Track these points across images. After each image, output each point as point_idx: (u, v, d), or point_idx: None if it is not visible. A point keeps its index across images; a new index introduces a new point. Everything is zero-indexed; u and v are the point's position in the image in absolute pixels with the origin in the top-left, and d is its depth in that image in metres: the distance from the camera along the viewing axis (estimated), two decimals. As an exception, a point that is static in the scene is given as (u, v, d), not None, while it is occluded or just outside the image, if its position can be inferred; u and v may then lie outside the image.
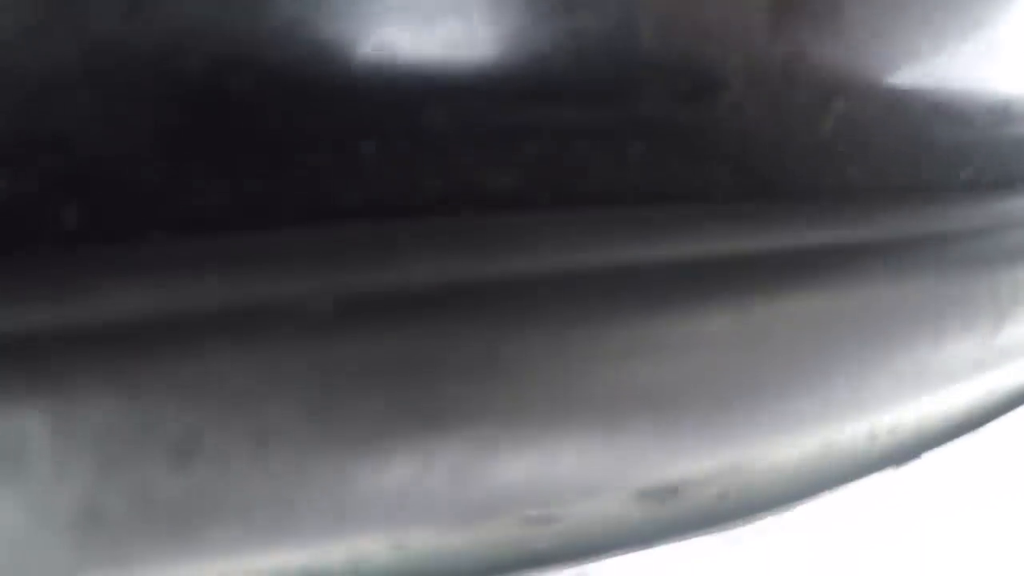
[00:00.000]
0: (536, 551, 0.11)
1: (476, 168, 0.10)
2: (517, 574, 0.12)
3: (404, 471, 0.10)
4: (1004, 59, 0.13)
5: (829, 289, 0.11)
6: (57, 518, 0.09)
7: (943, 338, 0.12)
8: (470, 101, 0.09)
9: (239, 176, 0.09)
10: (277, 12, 0.09)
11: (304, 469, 0.09)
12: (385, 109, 0.09)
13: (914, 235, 0.12)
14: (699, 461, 0.11)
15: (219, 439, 0.09)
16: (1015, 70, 0.13)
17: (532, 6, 0.09)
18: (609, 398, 0.10)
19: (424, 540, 0.11)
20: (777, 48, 0.10)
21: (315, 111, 0.09)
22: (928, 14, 0.12)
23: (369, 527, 0.10)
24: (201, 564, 0.09)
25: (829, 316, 0.11)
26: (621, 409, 0.10)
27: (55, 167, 0.09)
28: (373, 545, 0.10)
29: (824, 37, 0.11)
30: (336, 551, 0.10)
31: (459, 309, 0.09)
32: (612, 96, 0.10)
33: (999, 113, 0.13)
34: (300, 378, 0.09)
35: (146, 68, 0.09)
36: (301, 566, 0.10)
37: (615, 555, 0.12)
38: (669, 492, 0.11)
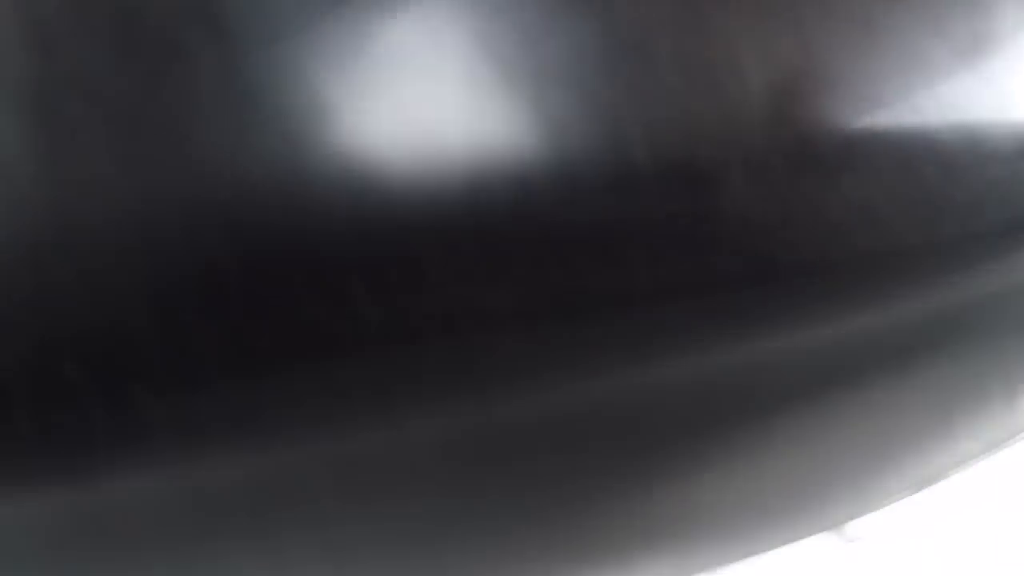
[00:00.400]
0: None
1: (468, 292, 0.09)
2: None
3: None
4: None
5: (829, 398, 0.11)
6: None
7: (952, 431, 0.12)
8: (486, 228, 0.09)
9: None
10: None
11: None
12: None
13: (926, 313, 0.11)
14: None
15: None
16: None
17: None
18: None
19: None
20: (778, 140, 0.10)
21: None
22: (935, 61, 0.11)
23: None
24: None
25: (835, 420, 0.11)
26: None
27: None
28: None
29: (830, 118, 0.10)
30: None
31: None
32: (608, 206, 0.10)
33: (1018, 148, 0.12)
34: None
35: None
36: None
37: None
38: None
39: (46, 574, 0.10)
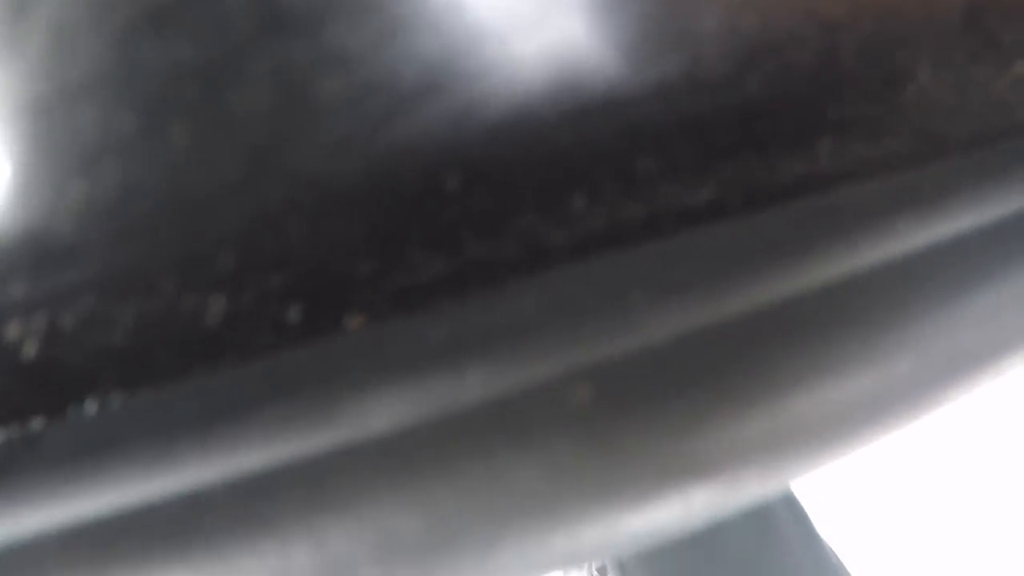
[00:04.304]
0: None
1: (675, 191, 0.10)
2: None
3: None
4: None
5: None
6: None
7: None
8: (671, 140, 0.10)
9: (456, 245, 0.09)
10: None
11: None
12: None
13: None
14: None
15: None
16: None
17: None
18: None
19: None
20: (967, 38, 0.10)
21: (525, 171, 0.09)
22: None
23: None
24: None
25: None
26: None
27: (274, 281, 0.09)
28: None
29: (1017, 17, 0.11)
30: None
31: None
32: (809, 99, 0.10)
33: None
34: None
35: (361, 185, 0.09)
36: None
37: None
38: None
39: None
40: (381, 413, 0.09)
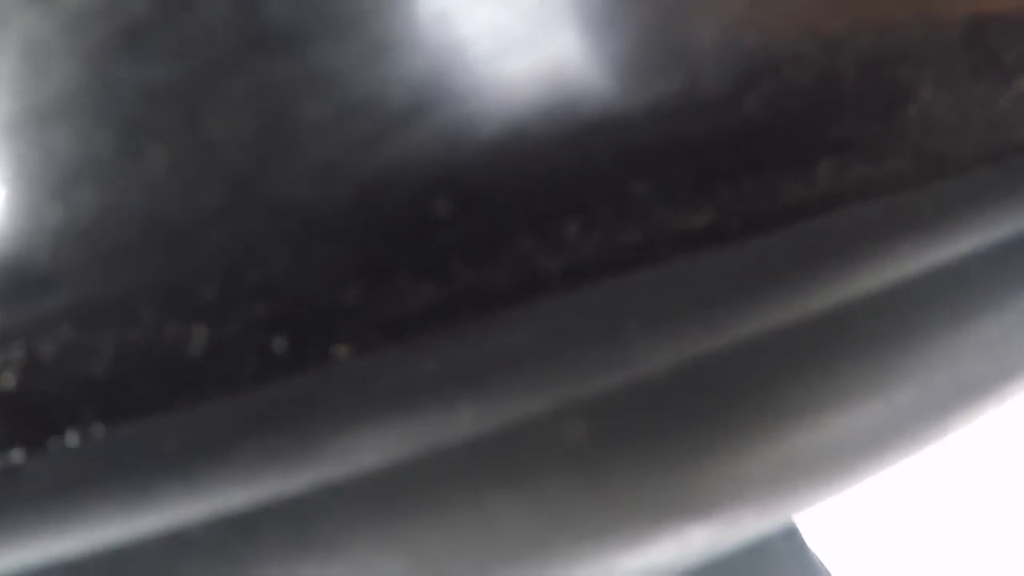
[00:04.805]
0: None
1: (672, 215, 0.09)
2: None
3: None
4: None
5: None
6: None
7: None
8: (666, 163, 0.09)
9: (445, 274, 0.09)
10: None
11: None
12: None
13: None
14: None
15: None
16: None
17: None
18: None
19: None
20: (968, 55, 0.10)
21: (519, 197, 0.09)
22: None
23: None
24: None
25: None
26: None
27: (258, 311, 0.09)
28: None
29: (1019, 36, 0.10)
30: None
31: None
32: (804, 124, 0.10)
33: None
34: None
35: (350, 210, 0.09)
36: None
37: None
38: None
39: None
40: (368, 450, 0.09)
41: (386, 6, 0.08)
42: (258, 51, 0.08)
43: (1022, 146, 0.11)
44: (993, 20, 0.10)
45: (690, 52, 0.09)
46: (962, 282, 0.11)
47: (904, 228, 0.11)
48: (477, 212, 0.09)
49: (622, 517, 0.09)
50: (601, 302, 0.09)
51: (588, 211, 0.09)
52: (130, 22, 0.08)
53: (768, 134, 0.10)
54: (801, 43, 0.10)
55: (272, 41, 0.08)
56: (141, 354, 0.09)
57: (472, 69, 0.09)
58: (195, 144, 0.08)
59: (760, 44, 0.09)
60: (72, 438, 0.09)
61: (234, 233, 0.08)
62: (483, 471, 0.09)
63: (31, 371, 0.09)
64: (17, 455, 0.09)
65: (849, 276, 0.10)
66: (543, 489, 0.09)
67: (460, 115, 0.09)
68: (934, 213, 0.11)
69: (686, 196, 0.09)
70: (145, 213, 0.08)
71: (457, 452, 0.09)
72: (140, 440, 0.09)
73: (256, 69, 0.08)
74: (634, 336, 0.09)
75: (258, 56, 0.08)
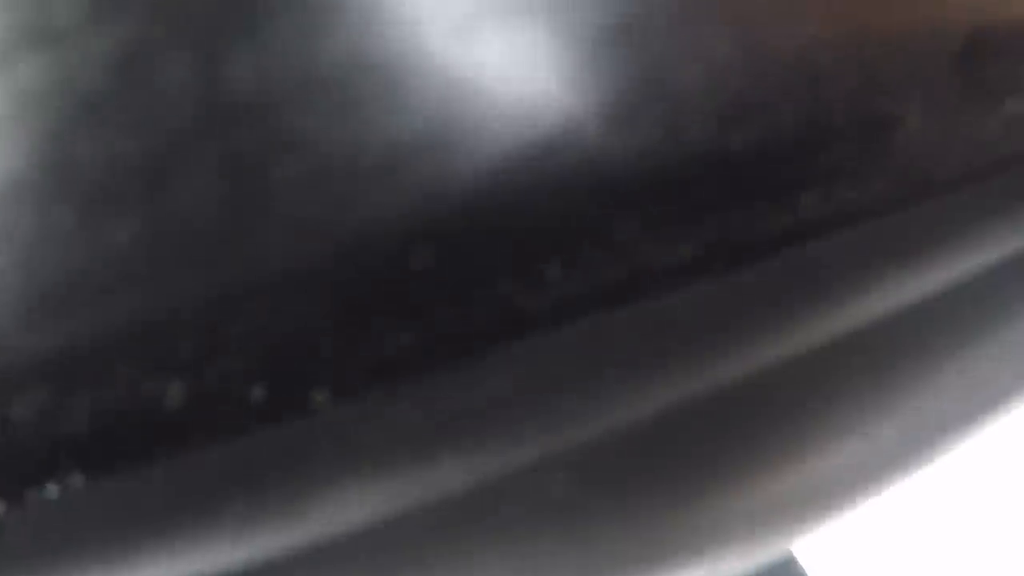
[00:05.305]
0: None
1: (648, 253, 0.09)
2: None
3: None
4: None
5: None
6: None
7: None
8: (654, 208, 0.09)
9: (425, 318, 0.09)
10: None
11: None
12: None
13: None
14: None
15: None
16: None
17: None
18: None
19: None
20: (956, 77, 0.10)
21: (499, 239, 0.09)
22: None
23: None
24: None
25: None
26: None
27: (236, 362, 0.09)
28: None
29: (1008, 58, 0.10)
30: None
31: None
32: (788, 156, 0.10)
33: None
34: None
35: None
36: None
37: None
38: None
39: None
40: (352, 505, 0.09)
41: (354, 63, 0.08)
42: (223, 117, 0.08)
43: (1009, 164, 0.11)
44: (981, 41, 0.10)
45: (673, 88, 0.09)
46: (953, 304, 0.11)
47: (892, 252, 0.10)
48: (456, 256, 0.09)
49: (609, 568, 0.09)
50: (585, 344, 0.09)
51: (570, 250, 0.09)
52: (90, 94, 0.08)
53: (752, 165, 0.09)
54: (786, 74, 0.09)
55: (237, 107, 0.08)
56: (118, 409, 0.09)
57: (449, 112, 0.09)
58: (163, 210, 0.08)
59: (744, 78, 0.09)
60: (52, 490, 0.09)
61: (208, 289, 0.08)
62: (467, 528, 0.09)
63: (5, 429, 0.09)
64: None
65: (838, 305, 0.10)
66: (528, 543, 0.09)
67: (437, 160, 0.08)
68: (922, 238, 0.11)
69: (670, 230, 0.09)
70: (114, 276, 0.08)
71: (441, 508, 0.09)
72: (120, 492, 0.09)
73: (222, 135, 0.08)
74: (618, 380, 0.09)
75: (223, 122, 0.08)
